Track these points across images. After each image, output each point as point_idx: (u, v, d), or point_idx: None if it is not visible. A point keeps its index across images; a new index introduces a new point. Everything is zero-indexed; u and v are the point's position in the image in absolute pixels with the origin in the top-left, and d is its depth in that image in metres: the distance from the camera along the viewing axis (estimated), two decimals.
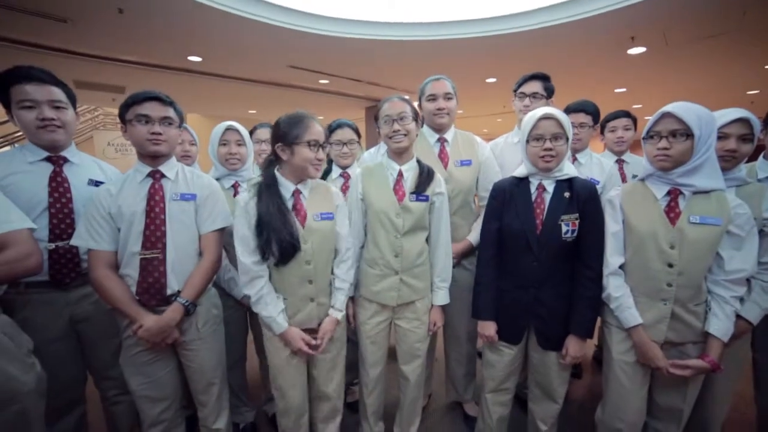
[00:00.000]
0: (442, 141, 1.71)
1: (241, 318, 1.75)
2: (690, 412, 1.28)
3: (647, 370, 1.25)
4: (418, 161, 1.47)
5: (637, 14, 3.31)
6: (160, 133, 1.26)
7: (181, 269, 1.29)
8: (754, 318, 1.24)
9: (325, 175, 1.91)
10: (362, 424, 1.69)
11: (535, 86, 1.79)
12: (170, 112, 1.29)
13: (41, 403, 1.07)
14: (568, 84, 6.31)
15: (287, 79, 5.97)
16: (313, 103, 7.91)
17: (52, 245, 1.25)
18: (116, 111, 1.42)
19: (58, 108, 1.30)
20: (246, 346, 1.84)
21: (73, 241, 1.23)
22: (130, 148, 7.90)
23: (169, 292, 1.27)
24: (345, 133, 1.81)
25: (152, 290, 1.25)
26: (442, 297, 1.51)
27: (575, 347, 1.29)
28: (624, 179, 2.11)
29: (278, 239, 1.21)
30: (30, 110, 1.25)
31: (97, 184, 1.38)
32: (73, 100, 1.37)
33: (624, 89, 6.33)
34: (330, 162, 1.93)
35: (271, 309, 1.28)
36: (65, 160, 1.33)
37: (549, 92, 1.80)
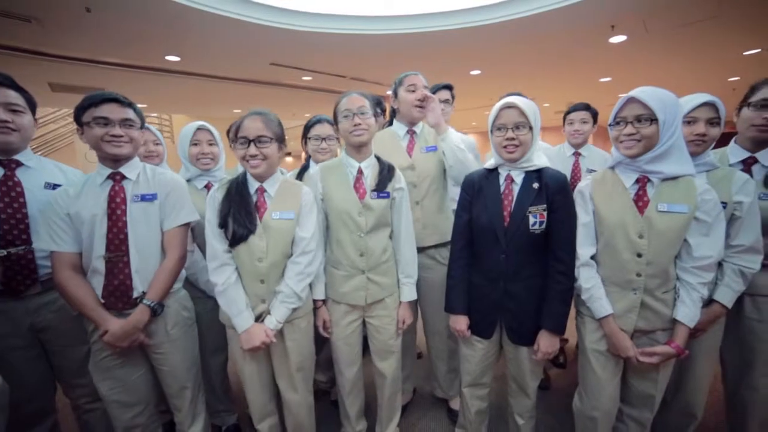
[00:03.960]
0: (411, 133, 1.69)
1: (214, 308, 1.72)
2: (661, 397, 1.29)
3: (619, 359, 1.25)
4: (377, 157, 1.45)
5: (616, 2, 3.31)
6: (120, 135, 1.23)
7: (146, 271, 1.27)
8: (728, 301, 1.25)
9: (303, 172, 1.89)
10: (343, 424, 1.68)
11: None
12: (130, 114, 1.26)
13: (3, 417, 1.03)
14: (554, 76, 6.33)
15: (270, 77, 5.89)
16: (298, 100, 7.84)
17: (4, 252, 1.21)
18: None
19: (14, 111, 1.26)
20: (226, 340, 1.81)
21: (36, 244, 1.20)
22: None
23: (135, 294, 1.24)
24: (323, 128, 1.78)
25: (118, 293, 1.22)
26: (408, 293, 1.50)
27: (546, 342, 1.27)
28: (579, 172, 2.13)
29: (234, 220, 1.22)
30: None
31: (55, 187, 1.34)
32: (32, 105, 1.34)
33: (609, 78, 6.36)
34: (308, 158, 1.90)
35: (239, 302, 1.26)
36: (18, 163, 1.29)
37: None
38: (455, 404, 1.93)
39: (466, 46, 4.46)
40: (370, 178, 1.41)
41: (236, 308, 1.26)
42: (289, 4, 3.55)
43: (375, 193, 1.38)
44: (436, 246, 1.68)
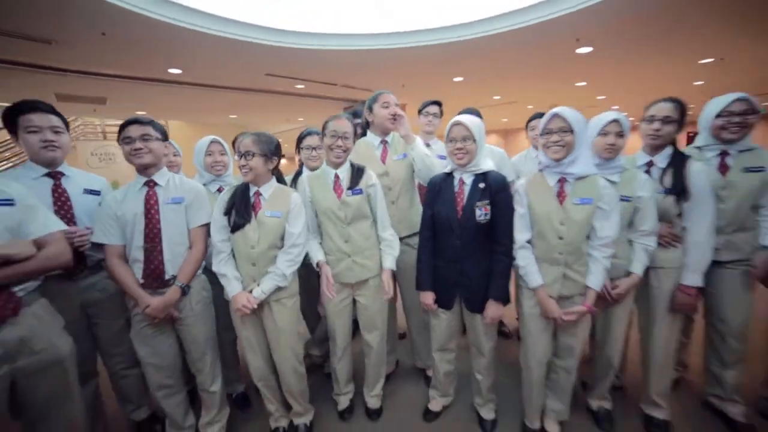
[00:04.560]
0: (384, 143, 2.03)
1: None
2: (581, 348, 1.64)
3: (549, 320, 1.60)
4: (351, 162, 1.77)
5: (578, 19, 3.68)
6: (140, 148, 1.54)
7: (175, 258, 1.59)
8: (640, 270, 1.61)
9: (297, 176, 2.21)
10: (335, 387, 2.02)
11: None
12: (148, 130, 1.57)
13: (75, 367, 1.36)
14: (532, 82, 6.72)
15: (265, 86, 6.21)
16: (292, 105, 8.14)
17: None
18: (97, 121, 1.69)
19: (57, 132, 1.56)
20: None
21: (94, 239, 1.53)
22: (113, 158, 8.01)
23: (166, 276, 1.57)
24: (313, 140, 2.10)
25: (154, 275, 1.55)
26: (389, 262, 1.79)
27: (493, 309, 1.61)
28: None
29: (236, 212, 1.58)
30: (34, 134, 1.51)
31: (92, 192, 1.65)
32: (67, 125, 1.64)
33: (584, 83, 6.76)
34: (301, 164, 2.23)
35: (229, 275, 1.61)
36: (61, 174, 1.59)
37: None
38: (431, 372, 2.28)
39: (448, 58, 4.82)
40: (345, 180, 1.73)
41: (227, 280, 1.60)
42: (284, 25, 3.88)
43: (350, 191, 1.71)
44: (409, 236, 2.02)
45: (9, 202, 1.18)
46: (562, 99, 8.57)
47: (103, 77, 4.91)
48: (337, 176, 1.75)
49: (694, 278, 1.64)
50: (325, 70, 5.34)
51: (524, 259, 1.59)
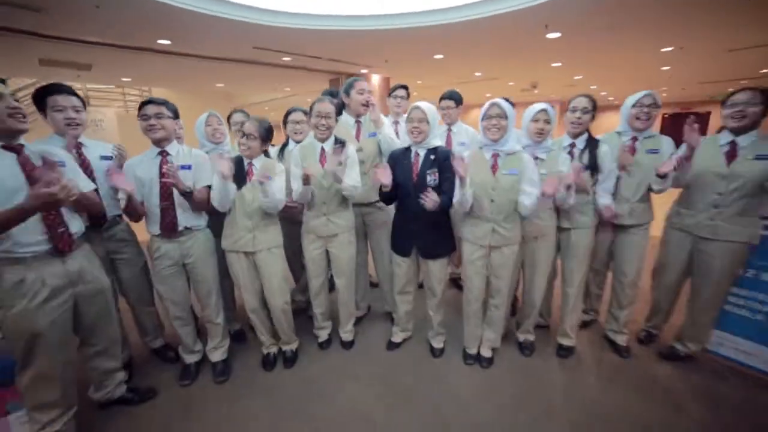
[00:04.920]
0: (358, 122, 2.41)
1: None
2: (507, 290, 2.11)
3: (484, 264, 2.05)
4: (336, 138, 2.14)
5: (545, 10, 3.98)
6: (154, 124, 1.87)
7: (184, 212, 1.95)
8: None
9: (284, 147, 2.56)
10: (315, 322, 2.47)
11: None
12: (162, 109, 1.89)
13: (112, 296, 1.75)
14: (511, 62, 7.00)
15: (253, 57, 6.32)
16: (279, 76, 8.23)
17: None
18: (78, 85, 1.94)
19: (77, 111, 1.86)
20: None
21: (120, 195, 1.87)
22: (100, 123, 8.05)
23: (179, 228, 1.94)
24: (298, 116, 2.44)
25: (170, 227, 1.92)
26: (352, 183, 2.07)
27: (432, 203, 1.84)
28: (450, 143, 2.83)
29: (235, 179, 1.92)
30: (59, 112, 1.81)
31: (106, 158, 1.96)
32: (84, 105, 1.94)
33: (560, 63, 7.09)
34: (287, 137, 2.58)
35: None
36: (81, 144, 1.91)
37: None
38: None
39: (429, 39, 5.07)
40: (329, 153, 2.08)
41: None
42: (273, 5, 4.06)
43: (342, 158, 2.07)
44: (377, 201, 2.43)
45: (62, 164, 1.52)
46: (541, 77, 8.90)
47: (90, 45, 4.95)
48: (323, 149, 2.12)
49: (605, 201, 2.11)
50: (312, 47, 5.51)
51: (459, 203, 1.97)
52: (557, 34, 4.85)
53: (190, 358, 2.21)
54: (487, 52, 5.99)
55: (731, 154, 1.87)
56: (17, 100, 1.45)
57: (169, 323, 2.25)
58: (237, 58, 6.31)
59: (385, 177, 1.88)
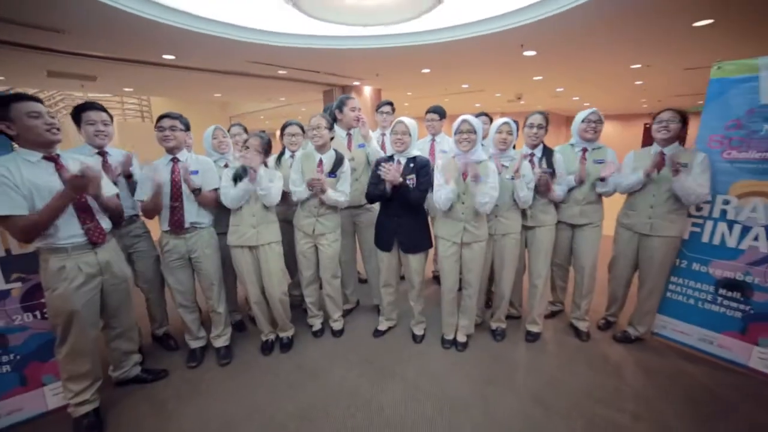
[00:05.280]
0: (349, 135, 2.73)
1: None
2: (479, 283, 2.40)
3: (457, 259, 2.35)
4: (336, 152, 2.43)
5: (520, 32, 4.37)
6: (168, 135, 2.17)
7: (191, 212, 2.23)
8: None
9: (281, 155, 2.86)
10: (308, 312, 2.75)
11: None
12: (176, 123, 2.19)
13: (131, 286, 2.02)
14: (495, 77, 7.42)
15: (250, 70, 6.64)
16: (275, 87, 8.55)
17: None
18: (78, 93, 2.28)
19: (105, 124, 2.17)
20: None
21: (137, 197, 2.15)
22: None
23: (186, 225, 2.21)
24: (293, 129, 2.73)
25: (177, 224, 2.19)
26: (337, 195, 2.39)
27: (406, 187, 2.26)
28: (433, 150, 3.17)
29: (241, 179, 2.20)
30: (91, 126, 2.12)
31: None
32: (111, 119, 2.24)
33: (540, 77, 7.52)
34: (284, 147, 2.88)
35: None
36: (106, 153, 2.21)
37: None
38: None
39: (416, 56, 5.45)
40: (327, 165, 2.39)
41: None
42: (271, 27, 4.40)
43: (329, 173, 2.38)
44: (366, 203, 2.74)
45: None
46: (526, 89, 9.34)
47: (98, 58, 5.23)
48: (320, 160, 2.42)
49: (561, 190, 2.41)
50: (307, 62, 5.86)
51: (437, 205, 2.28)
52: (533, 53, 5.25)
53: (195, 344, 2.47)
54: (469, 67, 6.39)
55: (660, 163, 2.21)
56: (52, 116, 1.74)
57: (173, 315, 2.53)
58: (235, 71, 6.62)
59: (395, 174, 2.19)
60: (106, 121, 2.16)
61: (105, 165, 2.17)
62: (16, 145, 1.66)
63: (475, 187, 2.14)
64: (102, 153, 2.19)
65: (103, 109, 2.17)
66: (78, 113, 2.12)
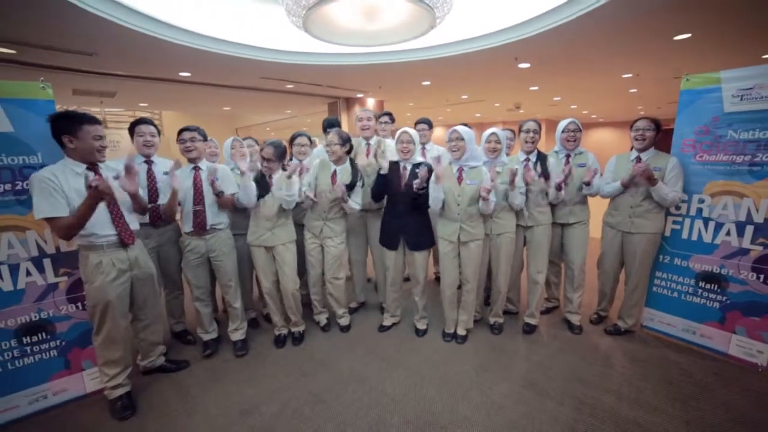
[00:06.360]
0: (368, 144, 3.02)
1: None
2: (476, 279, 2.60)
3: (455, 256, 2.56)
4: (353, 165, 2.65)
5: (514, 47, 4.63)
6: (189, 147, 2.42)
7: (212, 214, 2.45)
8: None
9: None
10: (312, 309, 2.95)
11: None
12: (195, 135, 2.44)
13: (157, 281, 2.24)
14: (492, 88, 7.69)
15: (259, 85, 6.97)
16: (282, 100, 8.89)
17: (151, 205, 2.39)
18: (96, 108, 2.82)
19: (153, 136, 2.44)
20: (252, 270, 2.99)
21: (159, 200, 2.39)
22: (117, 145, 8.64)
23: (207, 227, 2.44)
24: (302, 140, 2.99)
25: (200, 226, 2.42)
26: (354, 204, 2.63)
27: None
28: (424, 157, 3.33)
29: (259, 189, 2.43)
30: (141, 137, 2.40)
31: (166, 173, 2.47)
32: (159, 132, 2.51)
33: (536, 87, 7.78)
34: (292, 155, 3.12)
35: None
36: (152, 162, 2.47)
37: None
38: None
39: (416, 69, 5.76)
40: (341, 176, 2.59)
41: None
42: (272, 45, 4.72)
43: (343, 184, 2.55)
44: (379, 208, 2.95)
45: (116, 176, 2.00)
46: (524, 98, 9.61)
47: (120, 77, 5.58)
48: (335, 172, 2.64)
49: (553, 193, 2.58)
50: (314, 76, 6.17)
51: (436, 211, 2.51)
52: (527, 65, 5.51)
53: (207, 336, 2.67)
54: (467, 79, 6.67)
55: (637, 175, 2.42)
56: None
57: (190, 311, 2.75)
58: (245, 85, 6.95)
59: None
60: (153, 133, 2.45)
61: (149, 172, 2.44)
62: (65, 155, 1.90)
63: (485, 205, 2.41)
64: (148, 162, 2.45)
65: (152, 123, 2.45)
66: (132, 127, 2.43)
